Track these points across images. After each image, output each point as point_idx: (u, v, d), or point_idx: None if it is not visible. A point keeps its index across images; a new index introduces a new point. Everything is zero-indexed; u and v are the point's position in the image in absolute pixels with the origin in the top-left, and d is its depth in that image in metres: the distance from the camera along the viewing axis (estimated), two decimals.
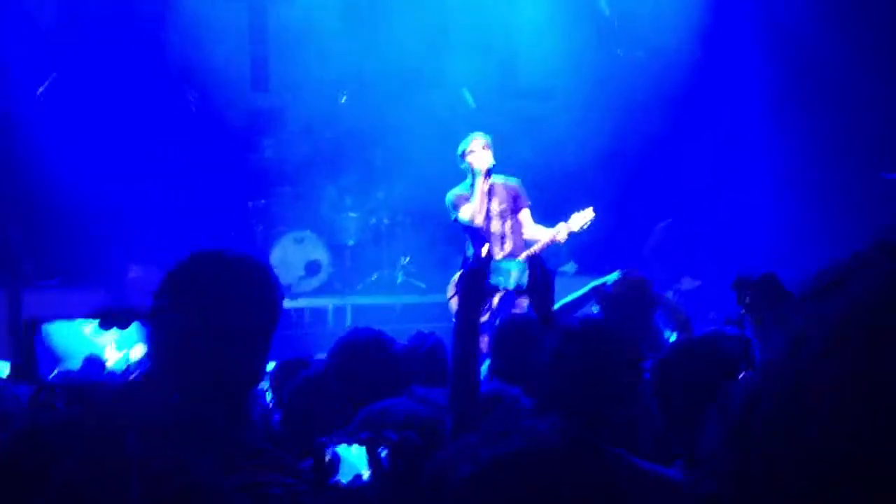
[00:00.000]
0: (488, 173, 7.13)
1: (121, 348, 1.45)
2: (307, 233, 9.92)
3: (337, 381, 3.07)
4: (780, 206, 10.15)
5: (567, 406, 2.56)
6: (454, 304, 7.21)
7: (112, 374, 1.37)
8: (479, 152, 7.15)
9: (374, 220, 10.19)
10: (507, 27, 11.24)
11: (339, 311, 9.87)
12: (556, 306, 4.11)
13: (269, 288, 2.03)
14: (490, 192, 7.17)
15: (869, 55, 9.86)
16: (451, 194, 7.28)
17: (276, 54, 10.70)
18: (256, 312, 1.99)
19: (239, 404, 1.97)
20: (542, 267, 3.24)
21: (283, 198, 10.26)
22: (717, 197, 10.69)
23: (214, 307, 1.91)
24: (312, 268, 9.82)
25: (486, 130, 10.18)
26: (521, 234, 7.23)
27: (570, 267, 10.70)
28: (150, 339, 1.45)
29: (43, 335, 1.44)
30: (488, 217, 7.15)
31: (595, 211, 7.08)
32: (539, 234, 7.13)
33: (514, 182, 7.36)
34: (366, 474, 2.01)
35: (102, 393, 1.42)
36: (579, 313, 4.43)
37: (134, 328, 1.47)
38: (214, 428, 1.86)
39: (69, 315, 1.47)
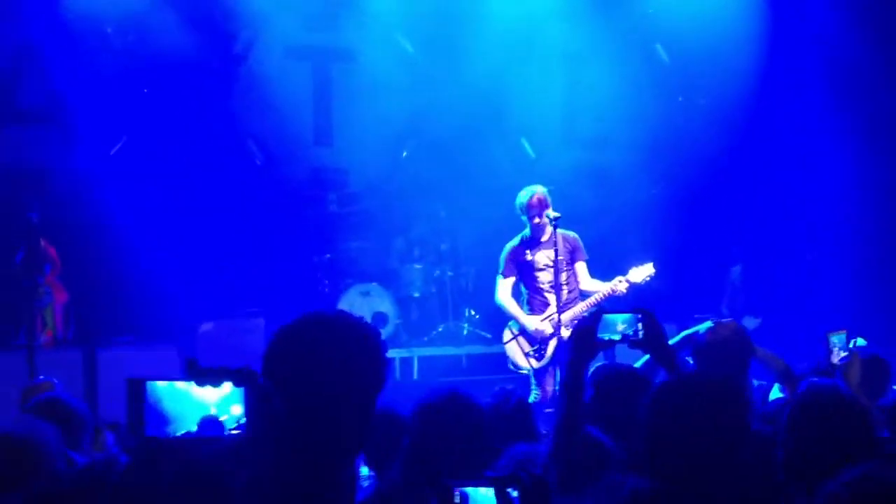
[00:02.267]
0: (554, 223, 7.13)
1: (222, 408, 1.47)
2: (373, 285, 10.01)
3: (422, 444, 2.96)
4: (842, 254, 10.01)
5: (661, 465, 2.40)
6: (511, 349, 7.39)
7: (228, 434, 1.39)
8: (537, 206, 7.21)
9: (438, 273, 10.26)
10: (567, 77, 11.31)
11: (406, 362, 9.91)
12: (646, 358, 4.00)
13: (377, 352, 2.00)
14: (549, 243, 7.23)
15: None
16: (506, 248, 7.46)
17: (339, 111, 10.90)
18: (365, 377, 1.97)
19: (340, 470, 1.93)
20: (653, 318, 3.15)
21: (348, 252, 10.38)
22: (777, 242, 10.56)
23: (324, 372, 1.88)
24: (379, 320, 9.89)
25: (546, 180, 10.25)
26: (578, 285, 7.33)
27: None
28: (248, 400, 1.48)
29: (150, 396, 1.47)
30: (546, 267, 7.28)
31: (655, 266, 7.12)
32: (596, 287, 7.22)
33: (572, 235, 7.43)
34: None
35: (206, 449, 1.45)
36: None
37: (232, 387, 1.50)
38: (315, 494, 1.83)
39: (168, 376, 1.49)
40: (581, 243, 7.41)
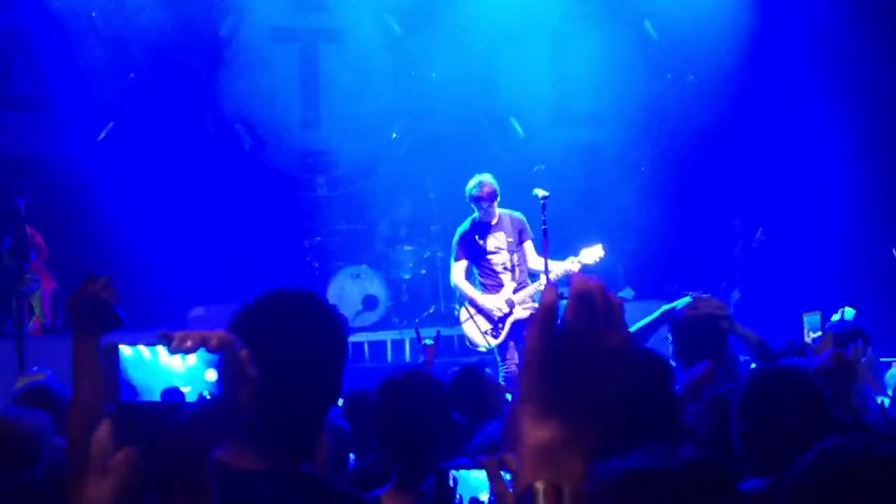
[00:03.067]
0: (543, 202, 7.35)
1: (189, 378, 1.47)
2: (363, 268, 9.98)
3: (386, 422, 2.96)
4: (833, 227, 10.00)
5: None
6: (468, 328, 7.76)
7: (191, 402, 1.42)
8: (486, 197, 7.51)
9: (428, 254, 10.22)
10: (556, 56, 11.27)
11: (398, 344, 9.88)
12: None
13: (335, 326, 2.09)
14: (498, 226, 7.61)
15: None
16: (457, 233, 7.80)
17: (327, 93, 10.83)
18: (325, 349, 2.04)
19: (314, 428, 2.04)
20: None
21: (338, 234, 10.34)
22: (769, 217, 10.54)
23: (284, 345, 1.97)
24: (370, 302, 9.87)
25: (537, 159, 10.25)
26: (526, 264, 7.67)
27: (627, 293, 10.62)
28: (224, 366, 1.50)
29: (122, 368, 1.47)
30: (497, 250, 7.62)
31: (604, 248, 7.54)
32: (545, 266, 7.51)
33: (518, 216, 7.76)
34: (485, 497, 2.01)
35: (180, 414, 1.47)
36: (651, 340, 4.25)
37: (202, 354, 1.50)
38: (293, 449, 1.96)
39: (143, 342, 1.51)
40: (527, 223, 7.75)
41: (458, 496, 2.07)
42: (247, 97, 10.51)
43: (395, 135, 10.87)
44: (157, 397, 1.47)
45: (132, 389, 1.46)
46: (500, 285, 7.64)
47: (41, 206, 9.07)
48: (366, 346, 9.90)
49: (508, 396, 4.16)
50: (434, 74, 10.62)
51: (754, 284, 10.10)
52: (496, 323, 7.63)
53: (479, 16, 10.61)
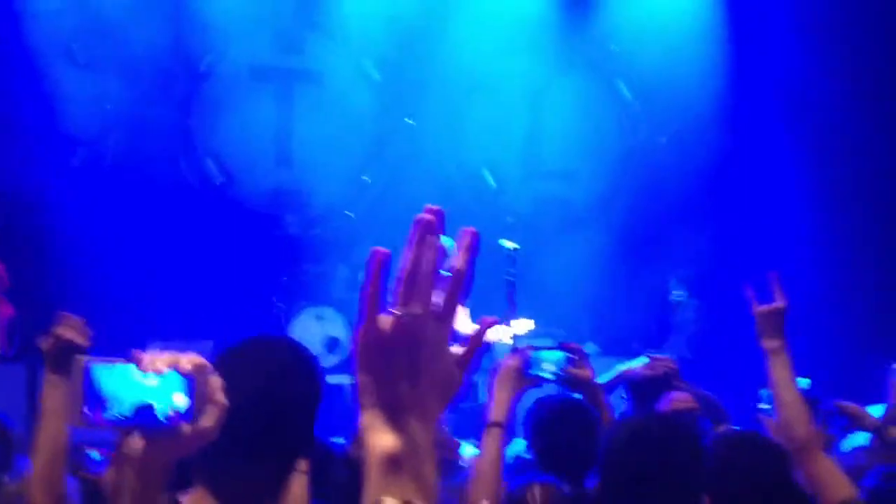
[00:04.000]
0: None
1: (160, 394, 1.48)
2: (327, 309, 9.91)
3: None
4: (808, 291, 10.06)
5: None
6: None
7: (164, 420, 1.42)
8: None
9: (390, 299, 10.15)
10: (530, 108, 11.36)
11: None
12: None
13: (312, 379, 2.07)
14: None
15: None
16: None
17: (302, 133, 10.81)
18: (299, 402, 2.03)
19: (280, 481, 2.00)
20: (584, 357, 3.14)
21: (305, 275, 10.28)
22: (740, 279, 10.60)
23: (257, 394, 1.95)
24: (331, 345, 9.80)
25: (508, 211, 10.28)
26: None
27: (590, 347, 10.62)
28: (191, 391, 1.50)
29: (92, 379, 1.48)
30: None
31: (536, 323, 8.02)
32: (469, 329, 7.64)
33: None
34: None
35: (152, 434, 1.49)
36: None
37: (173, 375, 1.50)
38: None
39: (100, 353, 1.51)
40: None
41: None
42: (220, 133, 10.48)
43: (366, 178, 10.86)
44: (127, 410, 1.47)
45: (102, 402, 1.45)
46: None
47: (2, 230, 8.95)
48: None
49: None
50: (410, 121, 10.65)
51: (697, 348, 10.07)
52: None
53: (457, 65, 10.70)
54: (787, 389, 3.00)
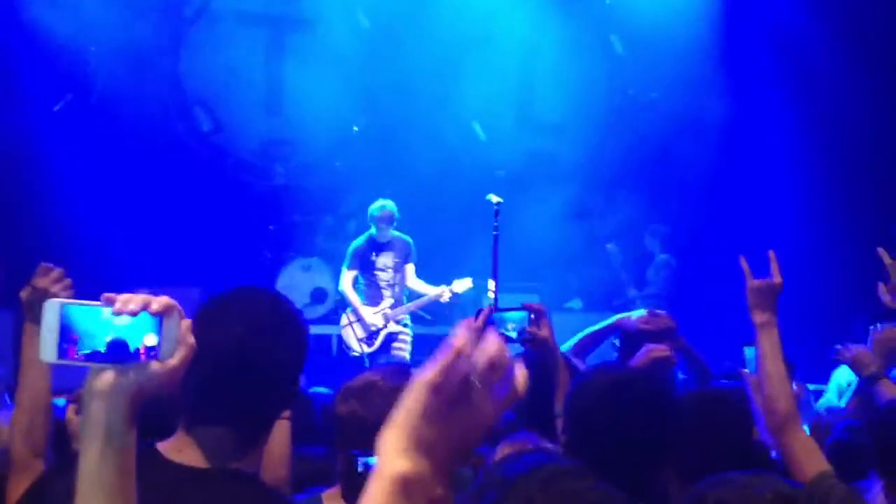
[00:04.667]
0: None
1: (132, 333, 1.54)
2: (314, 260, 9.93)
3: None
4: (797, 244, 10.10)
5: (596, 460, 2.32)
6: (346, 334, 8.68)
7: (135, 355, 1.49)
8: (386, 220, 8.51)
9: None
10: (522, 62, 11.30)
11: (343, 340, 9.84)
12: (577, 338, 4.12)
13: (296, 330, 2.08)
14: (389, 246, 8.61)
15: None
16: (353, 245, 8.75)
17: (292, 81, 10.74)
18: (283, 353, 2.04)
19: (262, 430, 2.04)
20: (544, 315, 3.20)
21: (293, 225, 10.28)
22: (728, 235, 10.63)
23: (241, 344, 1.97)
24: (318, 295, 9.83)
25: (496, 164, 10.28)
26: (404, 284, 8.67)
27: (576, 303, 10.68)
28: (160, 331, 1.55)
29: (65, 317, 1.54)
30: (384, 267, 8.61)
31: (473, 282, 8.43)
32: (422, 289, 8.68)
33: (407, 239, 8.74)
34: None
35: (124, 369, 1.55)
36: (597, 347, 4.31)
37: (145, 316, 1.56)
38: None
39: (86, 299, 1.55)
40: (413, 248, 8.74)
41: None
42: (209, 79, 10.41)
43: (356, 128, 10.82)
44: (100, 347, 1.52)
45: (75, 339, 1.50)
46: (381, 298, 8.62)
47: None
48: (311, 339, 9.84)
49: None
50: (399, 72, 10.59)
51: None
52: (371, 333, 8.55)
53: (450, 16, 10.61)
54: (773, 363, 3.04)
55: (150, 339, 1.54)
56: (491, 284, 7.55)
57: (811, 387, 6.02)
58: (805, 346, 6.29)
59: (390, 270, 8.63)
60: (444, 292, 8.52)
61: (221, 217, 9.96)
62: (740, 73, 10.80)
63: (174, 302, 1.56)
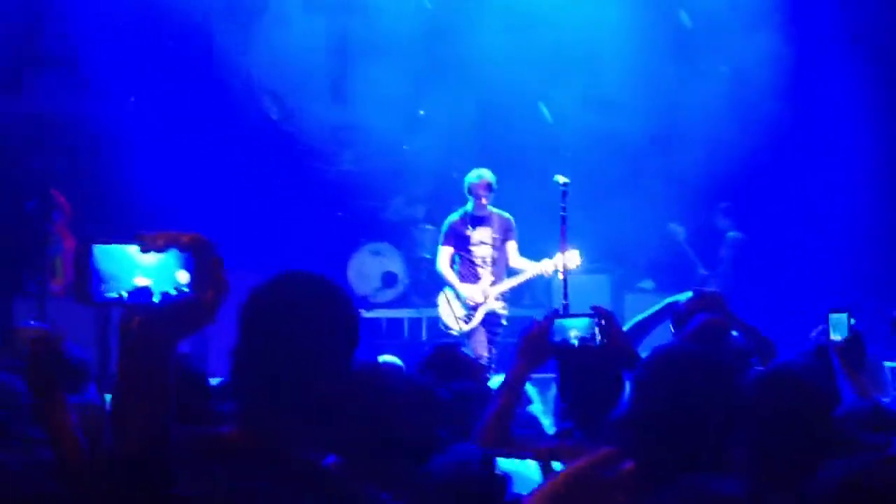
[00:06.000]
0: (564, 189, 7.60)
1: (162, 272, 1.57)
2: (384, 245, 10.00)
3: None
4: (865, 222, 9.87)
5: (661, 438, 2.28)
6: (443, 311, 8.33)
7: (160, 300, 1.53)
8: (484, 189, 8.02)
9: None
10: (589, 41, 11.16)
11: (415, 323, 9.91)
12: (627, 327, 4.04)
13: (349, 311, 2.03)
14: (487, 221, 8.14)
15: None
16: (448, 221, 8.34)
17: (355, 67, 10.79)
18: (331, 339, 1.99)
19: (315, 414, 1.99)
20: (611, 320, 3.12)
21: (362, 210, 10.35)
22: (797, 215, 10.43)
23: (291, 330, 1.93)
24: (389, 279, 9.90)
25: (563, 145, 10.20)
26: (507, 262, 8.24)
27: (647, 283, 10.59)
28: (191, 267, 1.57)
29: (94, 260, 1.58)
30: (481, 243, 8.17)
31: (582, 255, 7.81)
32: (524, 266, 8.16)
33: (507, 216, 8.28)
34: None
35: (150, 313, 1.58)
36: (651, 332, 4.27)
37: (173, 254, 1.59)
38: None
39: (117, 240, 1.59)
40: (514, 225, 8.27)
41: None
42: (276, 68, 10.50)
43: (422, 112, 10.83)
44: (126, 288, 1.56)
45: (101, 281, 1.53)
46: (478, 277, 8.20)
47: (66, 166, 9.11)
48: (384, 322, 9.94)
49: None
50: (462, 54, 10.55)
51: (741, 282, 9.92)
52: (470, 310, 8.19)
53: None
54: None
55: (183, 276, 1.55)
56: (573, 257, 7.55)
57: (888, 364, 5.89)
58: (885, 323, 6.13)
59: (487, 246, 8.16)
60: (546, 267, 7.97)
61: (290, 203, 10.07)
62: (809, 45, 10.55)
63: (204, 237, 1.57)
